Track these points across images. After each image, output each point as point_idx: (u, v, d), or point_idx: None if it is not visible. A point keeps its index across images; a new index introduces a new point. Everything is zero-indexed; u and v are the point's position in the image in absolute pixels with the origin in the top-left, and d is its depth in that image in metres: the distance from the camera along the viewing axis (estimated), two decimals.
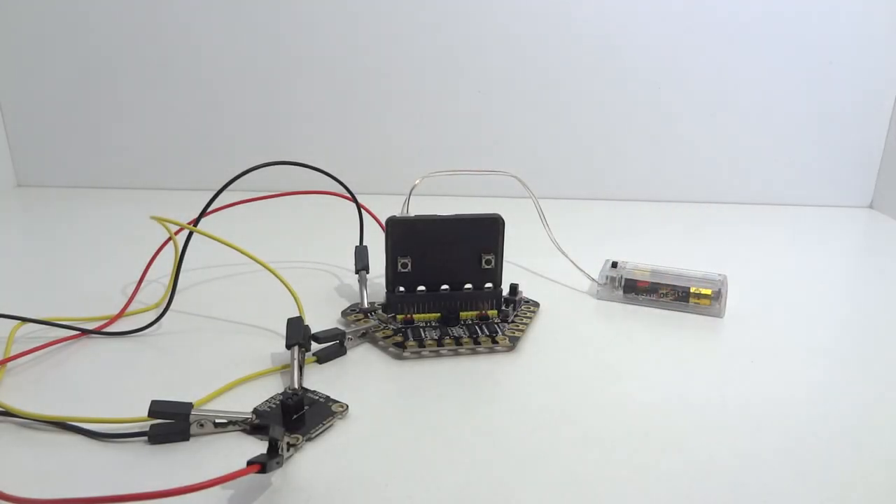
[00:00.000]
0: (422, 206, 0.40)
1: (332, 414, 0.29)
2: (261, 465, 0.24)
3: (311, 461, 0.27)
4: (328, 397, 0.31)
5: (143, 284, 0.41)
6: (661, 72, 0.69)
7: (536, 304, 0.43)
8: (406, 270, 0.38)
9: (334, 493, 0.25)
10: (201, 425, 0.28)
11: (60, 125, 0.73)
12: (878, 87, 0.69)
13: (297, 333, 0.33)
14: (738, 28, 0.68)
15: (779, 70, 0.69)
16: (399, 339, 0.36)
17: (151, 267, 0.41)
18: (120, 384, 0.32)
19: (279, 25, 0.69)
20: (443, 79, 0.70)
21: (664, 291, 0.43)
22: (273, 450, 0.25)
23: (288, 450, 0.26)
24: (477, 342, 0.36)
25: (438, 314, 0.39)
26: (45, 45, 0.70)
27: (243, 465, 0.24)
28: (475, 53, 0.70)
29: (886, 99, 0.70)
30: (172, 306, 0.39)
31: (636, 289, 0.43)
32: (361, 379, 0.33)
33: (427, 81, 0.71)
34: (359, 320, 0.39)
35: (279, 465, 0.25)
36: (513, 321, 0.39)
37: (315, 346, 0.35)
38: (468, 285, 0.39)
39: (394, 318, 0.38)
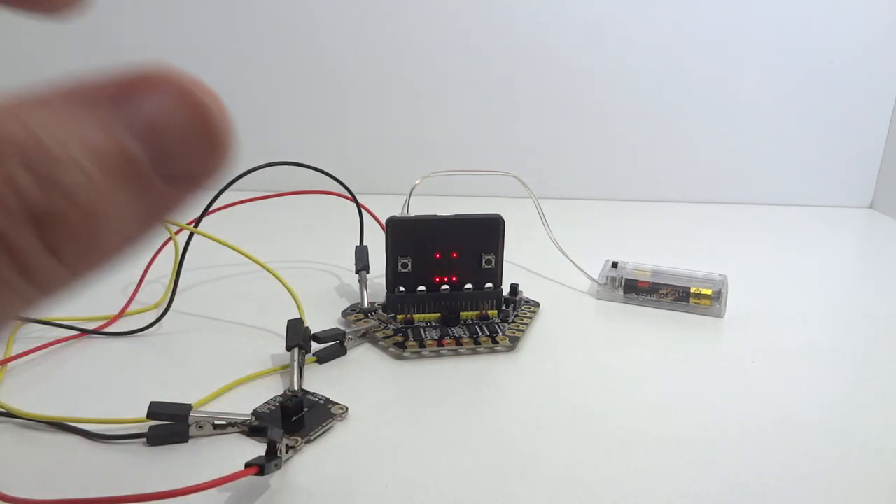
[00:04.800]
0: (422, 206, 0.40)
1: (332, 416, 0.29)
2: (259, 468, 0.24)
3: (311, 463, 0.27)
4: (328, 399, 0.31)
5: (143, 285, 0.41)
6: (661, 72, 0.69)
7: (537, 304, 0.42)
8: (406, 270, 0.38)
9: (334, 494, 0.25)
10: (200, 427, 0.28)
11: None
12: (878, 87, 0.69)
13: (297, 335, 0.33)
14: (738, 28, 0.68)
15: (779, 70, 0.69)
16: (399, 339, 0.36)
17: (151, 267, 0.41)
18: (120, 385, 0.32)
19: (279, 25, 0.69)
20: (443, 79, 0.70)
21: (664, 291, 0.43)
22: (271, 452, 0.25)
23: (287, 452, 0.26)
24: (477, 342, 0.36)
25: (438, 314, 0.39)
26: (45, 45, 0.70)
27: (242, 467, 0.24)
28: (476, 53, 0.69)
29: (886, 99, 0.70)
30: (172, 307, 0.39)
31: (636, 289, 0.43)
32: (361, 379, 0.33)
33: (427, 81, 0.71)
34: (359, 320, 0.39)
35: (277, 467, 0.25)
36: (513, 321, 0.39)
37: (315, 347, 0.35)
38: (468, 285, 0.39)
39: (394, 318, 0.38)
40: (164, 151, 0.10)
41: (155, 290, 0.43)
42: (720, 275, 0.44)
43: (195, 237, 0.38)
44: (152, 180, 0.10)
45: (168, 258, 0.40)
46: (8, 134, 0.08)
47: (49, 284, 0.09)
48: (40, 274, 0.09)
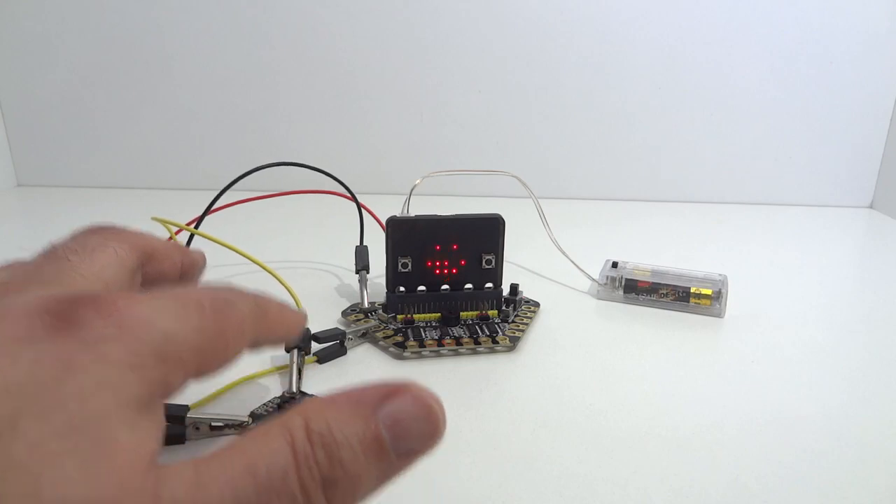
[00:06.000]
0: (422, 206, 0.40)
1: None
2: None
3: None
4: None
5: None
6: (660, 72, 0.69)
7: (537, 304, 0.42)
8: (406, 270, 0.38)
9: None
10: (197, 428, 0.28)
11: (60, 125, 0.73)
12: (878, 87, 0.69)
13: (297, 336, 0.33)
14: (738, 28, 0.68)
15: (779, 70, 0.69)
16: (399, 339, 0.36)
17: None
18: None
19: (279, 25, 0.69)
20: (443, 79, 0.70)
21: (664, 291, 0.43)
22: None
23: None
24: (477, 342, 0.36)
25: (439, 314, 0.39)
26: (45, 45, 0.70)
27: None
28: (475, 53, 0.69)
29: (886, 99, 0.70)
30: None
31: (636, 289, 0.43)
32: (361, 379, 0.33)
33: (427, 81, 0.71)
34: (359, 320, 0.39)
35: None
36: (513, 321, 0.39)
37: (315, 346, 0.35)
38: (468, 285, 0.39)
39: (394, 318, 0.38)
40: (402, 436, 0.15)
41: None
42: (720, 275, 0.44)
43: (195, 237, 0.38)
44: (391, 456, 0.15)
45: None
46: (317, 427, 0.15)
47: None
48: None
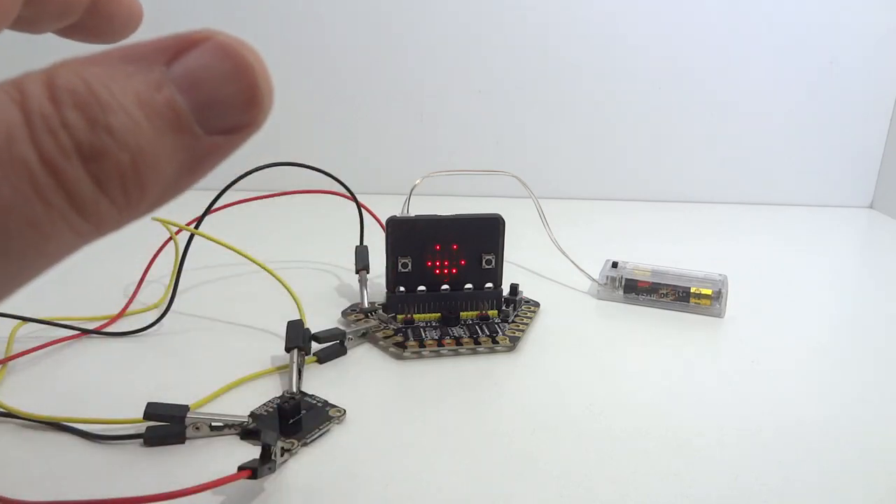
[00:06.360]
0: (422, 206, 0.40)
1: (330, 419, 0.29)
2: (251, 471, 0.23)
3: (308, 466, 0.27)
4: (326, 402, 0.30)
5: (143, 285, 0.41)
6: (661, 71, 0.69)
7: (537, 304, 0.42)
8: (406, 270, 0.38)
9: (332, 496, 0.25)
10: (197, 428, 0.28)
11: None
12: (878, 87, 0.69)
13: (297, 336, 0.33)
14: (738, 28, 0.68)
15: (779, 70, 0.69)
16: (399, 339, 0.36)
17: (152, 267, 0.41)
18: (120, 385, 0.32)
19: (278, 24, 0.69)
20: (443, 79, 0.70)
21: (664, 291, 0.43)
22: (265, 455, 0.25)
23: (282, 455, 0.26)
24: (477, 342, 0.36)
25: (439, 314, 0.39)
26: (45, 45, 0.70)
27: (237, 469, 0.23)
28: (475, 53, 0.69)
29: (886, 99, 0.70)
30: (172, 307, 0.39)
31: (636, 289, 0.43)
32: (361, 379, 0.33)
33: (427, 81, 0.71)
34: (359, 320, 0.39)
35: (271, 470, 0.25)
36: (513, 321, 0.39)
37: (315, 346, 0.35)
38: (468, 285, 0.39)
39: (394, 318, 0.38)
40: (205, 102, 0.11)
41: (155, 290, 0.43)
42: (720, 275, 0.43)
43: (196, 237, 0.38)
44: (194, 130, 0.11)
45: (168, 258, 0.40)
46: (65, 83, 0.10)
47: (97, 219, 0.11)
48: (89, 207, 0.10)
